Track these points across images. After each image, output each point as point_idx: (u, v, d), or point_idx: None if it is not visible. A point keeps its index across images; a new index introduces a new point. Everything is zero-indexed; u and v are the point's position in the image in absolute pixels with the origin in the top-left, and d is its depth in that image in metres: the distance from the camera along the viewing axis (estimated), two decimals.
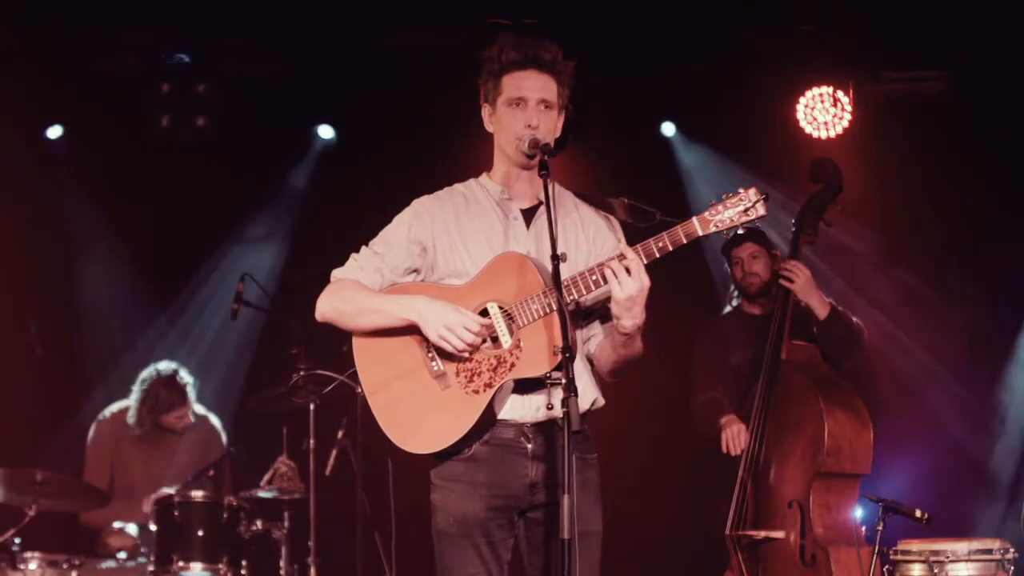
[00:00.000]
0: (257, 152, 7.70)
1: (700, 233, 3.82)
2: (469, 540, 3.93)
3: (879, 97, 7.61)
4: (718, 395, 6.13)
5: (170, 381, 7.11)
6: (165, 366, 7.18)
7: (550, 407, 3.83)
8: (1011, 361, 7.37)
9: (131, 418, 7.12)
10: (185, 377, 7.19)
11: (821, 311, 5.95)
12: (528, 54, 4.00)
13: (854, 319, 6.09)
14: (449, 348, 3.86)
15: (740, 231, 3.82)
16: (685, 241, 3.82)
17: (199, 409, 7.27)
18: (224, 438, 7.29)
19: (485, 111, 4.11)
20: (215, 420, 7.30)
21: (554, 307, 3.81)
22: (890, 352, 7.39)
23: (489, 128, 4.11)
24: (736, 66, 7.43)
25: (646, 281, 3.77)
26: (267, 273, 7.82)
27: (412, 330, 3.92)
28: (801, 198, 6.19)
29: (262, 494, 6.67)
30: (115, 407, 7.20)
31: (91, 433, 7.16)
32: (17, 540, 6.34)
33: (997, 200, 7.30)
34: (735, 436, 5.89)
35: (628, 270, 3.75)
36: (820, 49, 7.42)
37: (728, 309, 6.48)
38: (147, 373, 7.15)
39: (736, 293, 6.42)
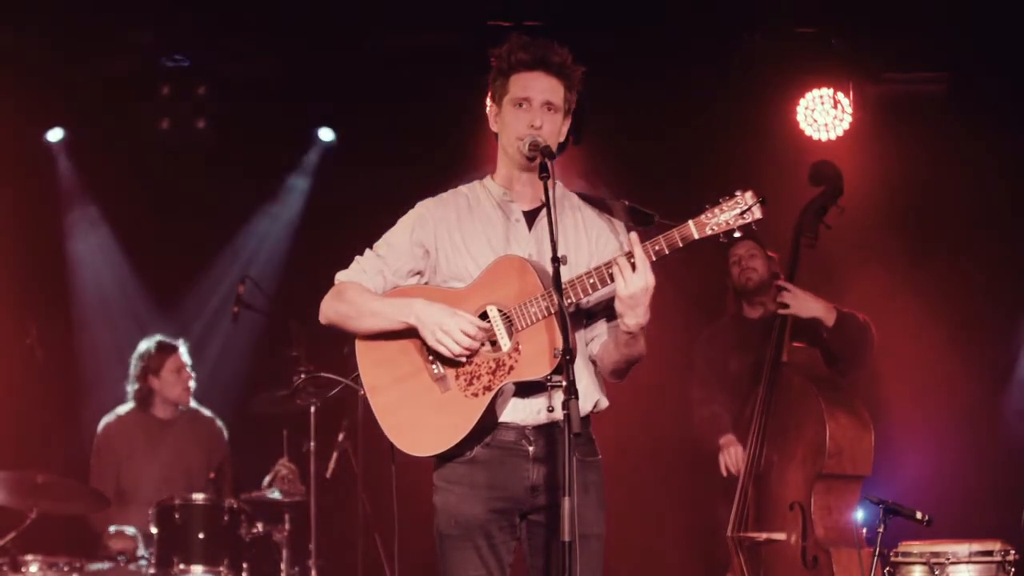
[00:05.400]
0: (257, 154, 7.71)
1: (696, 236, 3.81)
2: (470, 542, 3.94)
3: (880, 98, 7.60)
4: (719, 408, 6.14)
5: (156, 342, 7.13)
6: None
7: (551, 409, 3.84)
8: (1012, 359, 7.37)
9: (130, 400, 7.12)
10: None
11: (828, 319, 5.94)
12: (537, 56, 4.00)
13: (860, 316, 6.08)
14: (446, 352, 3.86)
15: (737, 234, 3.79)
16: (681, 244, 3.81)
17: (204, 411, 7.27)
18: (227, 440, 7.27)
19: (491, 110, 4.11)
20: (219, 422, 7.29)
21: (552, 310, 3.81)
22: (891, 352, 7.39)
23: (493, 128, 4.11)
24: (736, 67, 7.43)
25: (651, 279, 3.76)
26: (268, 275, 7.82)
27: (412, 333, 3.93)
28: (802, 200, 6.18)
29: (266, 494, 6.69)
30: (122, 409, 7.19)
31: (98, 433, 7.15)
32: (17, 543, 6.33)
33: (998, 200, 7.29)
34: (732, 457, 5.92)
35: (633, 267, 3.75)
36: (820, 50, 7.41)
37: (727, 316, 6.48)
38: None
39: (733, 298, 6.42)
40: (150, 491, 6.88)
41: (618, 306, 3.80)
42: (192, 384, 7.19)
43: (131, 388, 7.15)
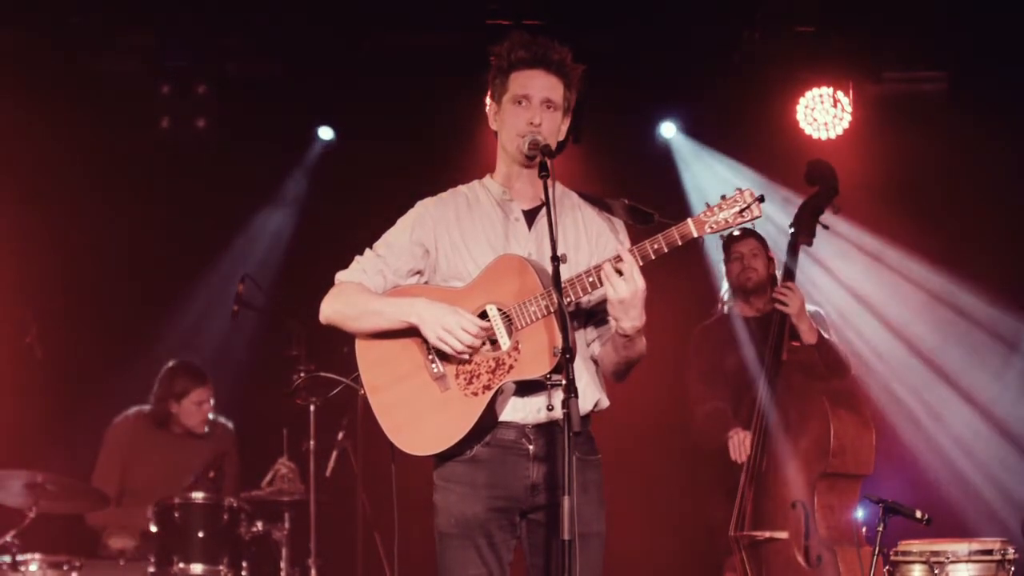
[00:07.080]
0: (257, 154, 7.71)
1: (695, 235, 3.81)
2: (470, 541, 3.94)
3: (880, 98, 7.60)
4: (719, 404, 6.10)
5: (186, 366, 7.11)
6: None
7: (551, 408, 3.83)
8: (1012, 359, 7.38)
9: (148, 413, 7.11)
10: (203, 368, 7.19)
11: (809, 338, 5.91)
12: (537, 54, 4.00)
13: (841, 353, 6.05)
14: (447, 350, 3.86)
15: (736, 232, 3.81)
16: (680, 243, 3.81)
17: (220, 419, 7.25)
18: (234, 438, 7.25)
19: (491, 108, 4.10)
20: (222, 419, 7.26)
21: (552, 309, 3.81)
22: (891, 352, 7.39)
23: (493, 126, 4.10)
24: (736, 66, 7.43)
25: (640, 283, 3.75)
26: (267, 274, 7.82)
27: (412, 332, 3.93)
28: (801, 199, 6.18)
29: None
30: (136, 408, 7.19)
31: (109, 429, 7.14)
32: (17, 542, 6.33)
33: (999, 200, 7.30)
34: (741, 442, 5.88)
35: (620, 272, 3.75)
36: (820, 50, 7.41)
37: (721, 312, 6.45)
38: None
39: (728, 295, 6.38)
40: (155, 491, 6.86)
41: (611, 310, 3.80)
42: (210, 416, 7.17)
43: (151, 406, 7.12)
